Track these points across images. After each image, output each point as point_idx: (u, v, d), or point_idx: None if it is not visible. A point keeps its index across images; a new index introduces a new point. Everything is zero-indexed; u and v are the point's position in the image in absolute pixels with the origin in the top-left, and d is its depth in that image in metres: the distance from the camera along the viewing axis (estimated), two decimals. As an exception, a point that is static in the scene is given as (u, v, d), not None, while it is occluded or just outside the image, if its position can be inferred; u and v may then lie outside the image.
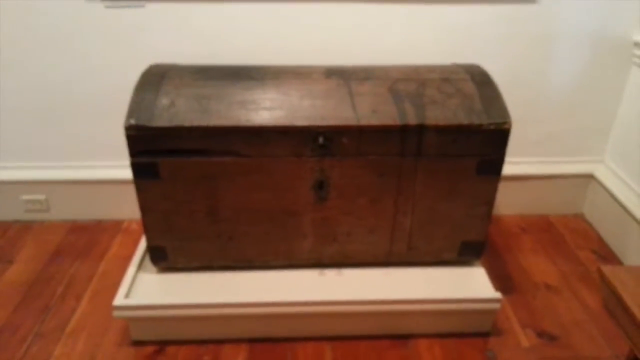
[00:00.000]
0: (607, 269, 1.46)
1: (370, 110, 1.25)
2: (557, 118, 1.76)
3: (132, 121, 1.20)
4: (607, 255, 1.71)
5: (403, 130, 1.25)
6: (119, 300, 1.29)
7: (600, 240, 1.78)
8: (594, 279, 1.58)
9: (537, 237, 1.80)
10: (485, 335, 1.39)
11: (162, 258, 1.39)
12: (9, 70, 1.59)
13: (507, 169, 1.75)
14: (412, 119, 1.24)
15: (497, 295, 1.33)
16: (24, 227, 1.80)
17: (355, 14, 1.56)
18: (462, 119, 1.25)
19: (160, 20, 1.54)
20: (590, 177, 1.85)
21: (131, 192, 1.36)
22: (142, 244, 1.47)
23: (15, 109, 1.66)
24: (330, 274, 1.42)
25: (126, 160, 1.26)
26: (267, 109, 1.24)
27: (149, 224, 1.34)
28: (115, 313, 1.28)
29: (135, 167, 1.25)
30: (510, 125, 1.26)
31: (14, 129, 1.69)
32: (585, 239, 1.79)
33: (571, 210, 1.93)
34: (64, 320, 1.42)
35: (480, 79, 1.34)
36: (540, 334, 1.40)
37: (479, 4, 1.55)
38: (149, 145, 1.23)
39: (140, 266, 1.42)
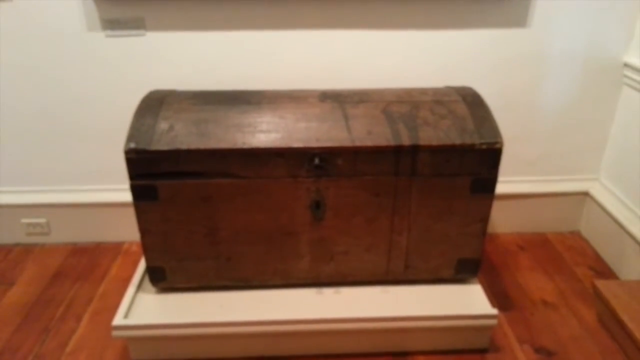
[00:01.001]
0: (601, 284, 1.48)
1: (364, 131, 1.28)
2: (551, 138, 1.78)
3: (132, 145, 1.23)
4: (604, 272, 1.72)
5: (397, 151, 1.27)
6: (118, 320, 1.30)
7: (597, 257, 1.80)
8: (591, 294, 1.59)
9: (534, 254, 1.81)
10: (482, 351, 1.40)
11: (161, 278, 1.40)
12: (11, 95, 1.63)
13: (504, 188, 1.78)
14: (405, 140, 1.27)
15: (494, 311, 1.34)
16: (25, 250, 1.82)
17: (349, 40, 1.59)
18: (455, 139, 1.28)
19: (160, 49, 1.58)
20: (585, 194, 1.87)
21: (131, 215, 1.38)
22: (142, 265, 1.49)
23: (17, 134, 1.69)
24: (328, 292, 1.44)
25: (125, 184, 1.28)
26: (263, 131, 1.27)
27: (148, 245, 1.36)
28: (115, 333, 1.29)
29: (135, 190, 1.28)
30: (501, 144, 1.28)
31: (15, 153, 1.72)
32: (582, 256, 1.80)
33: (568, 227, 1.94)
34: (63, 340, 1.43)
35: (472, 100, 1.37)
36: (538, 350, 1.40)
37: (471, 28, 1.59)
38: (148, 169, 1.25)
39: (139, 287, 1.44)
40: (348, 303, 1.40)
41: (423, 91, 1.42)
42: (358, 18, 1.56)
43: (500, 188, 1.35)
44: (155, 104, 1.33)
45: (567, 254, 1.81)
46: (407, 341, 1.38)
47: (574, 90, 1.71)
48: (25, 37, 1.55)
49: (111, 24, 1.53)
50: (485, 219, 1.37)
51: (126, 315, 1.33)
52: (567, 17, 1.59)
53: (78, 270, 1.72)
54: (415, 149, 1.27)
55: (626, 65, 1.65)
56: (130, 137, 1.25)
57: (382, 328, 1.34)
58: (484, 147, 1.28)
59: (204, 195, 1.29)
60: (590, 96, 1.72)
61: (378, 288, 1.45)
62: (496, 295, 1.60)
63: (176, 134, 1.26)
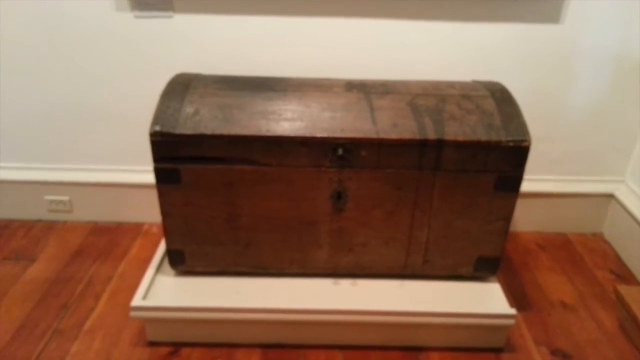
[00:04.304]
0: (623, 289, 1.46)
1: (389, 123, 1.27)
2: (578, 137, 1.75)
3: (157, 128, 1.24)
4: (626, 276, 1.69)
5: (422, 145, 1.26)
6: (136, 301, 1.31)
7: (619, 261, 1.77)
8: (611, 299, 1.57)
9: (554, 254, 1.79)
10: (498, 351, 1.38)
11: (181, 262, 1.41)
12: (37, 75, 1.64)
13: (527, 186, 1.76)
14: (431, 134, 1.25)
15: (512, 311, 1.32)
16: (47, 227, 1.85)
17: (377, 29, 1.57)
18: (481, 135, 1.26)
19: (187, 31, 1.57)
20: (610, 196, 1.83)
21: (152, 196, 1.39)
22: (161, 247, 1.50)
23: (43, 112, 1.70)
24: (345, 283, 1.43)
25: (148, 166, 1.29)
26: (288, 119, 1.26)
27: (168, 228, 1.36)
28: (133, 314, 1.31)
29: (158, 172, 1.28)
30: (529, 142, 1.26)
31: (41, 131, 1.74)
32: (604, 259, 1.78)
33: (590, 229, 1.91)
34: (82, 318, 1.45)
35: (500, 96, 1.35)
36: (554, 352, 1.39)
37: (502, 22, 1.56)
38: (172, 152, 1.26)
39: (158, 269, 1.45)
40: (364, 295, 1.40)
41: (450, 84, 1.40)
42: (387, 7, 1.54)
43: (523, 186, 1.33)
44: (181, 88, 1.33)
45: (589, 256, 1.79)
46: (422, 337, 1.38)
47: (604, 89, 1.67)
48: (54, 17, 1.55)
49: (140, 5, 1.53)
50: (508, 217, 1.35)
51: (145, 297, 1.34)
52: (601, 14, 1.55)
53: (98, 249, 1.74)
54: (440, 144, 1.26)
55: (660, 66, 1.62)
56: (155, 120, 1.25)
57: (397, 322, 1.33)
58: (511, 144, 1.26)
59: (226, 181, 1.29)
60: (621, 96, 1.68)
61: (395, 282, 1.44)
62: (514, 294, 1.59)
63: (201, 118, 1.26)
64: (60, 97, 1.68)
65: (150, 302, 1.33)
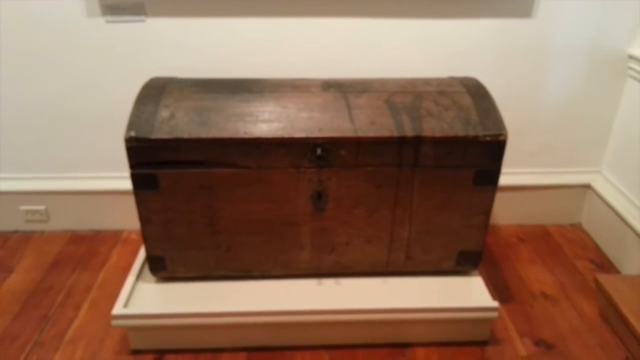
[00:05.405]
0: (603, 278, 1.48)
1: (367, 122, 1.27)
2: (554, 130, 1.77)
3: (132, 133, 1.22)
4: (605, 265, 1.72)
5: (400, 142, 1.26)
6: (117, 309, 1.30)
7: (598, 250, 1.79)
8: (592, 288, 1.59)
9: (534, 246, 1.81)
10: (483, 344, 1.40)
11: (161, 268, 1.40)
12: (10, 82, 1.61)
13: (505, 179, 1.77)
14: (409, 131, 1.26)
15: (495, 304, 1.34)
16: (24, 237, 1.81)
17: (352, 28, 1.57)
18: (458, 130, 1.27)
19: (160, 35, 1.56)
20: (587, 187, 1.86)
21: (130, 203, 1.37)
22: (141, 254, 1.48)
23: (16, 121, 1.67)
24: (329, 283, 1.43)
25: (125, 172, 1.27)
26: (265, 121, 1.26)
27: (148, 234, 1.35)
28: (114, 322, 1.29)
29: (135, 179, 1.27)
30: (506, 136, 1.27)
31: (14, 140, 1.70)
32: (583, 249, 1.80)
33: (569, 220, 1.94)
34: (62, 329, 1.43)
35: (476, 92, 1.35)
36: (538, 343, 1.40)
37: (476, 18, 1.57)
38: (149, 157, 1.24)
39: (139, 276, 1.43)
40: (348, 294, 1.40)
41: (427, 81, 1.41)
42: (361, 6, 1.54)
43: (502, 179, 1.34)
44: (155, 92, 1.31)
45: (568, 246, 1.81)
46: (407, 333, 1.38)
47: (578, 82, 1.69)
48: (23, 23, 1.52)
49: (111, 10, 1.51)
50: (487, 211, 1.37)
51: (126, 305, 1.32)
52: (572, 8, 1.58)
53: (77, 258, 1.71)
54: (418, 140, 1.26)
55: (631, 57, 1.64)
56: (130, 126, 1.23)
57: (382, 319, 1.34)
58: (488, 139, 1.27)
59: (205, 185, 1.28)
60: (594, 88, 1.71)
61: (378, 279, 1.45)
62: (496, 287, 1.60)
63: (177, 122, 1.24)
64: (34, 104, 1.65)
65: (131, 310, 1.31)
